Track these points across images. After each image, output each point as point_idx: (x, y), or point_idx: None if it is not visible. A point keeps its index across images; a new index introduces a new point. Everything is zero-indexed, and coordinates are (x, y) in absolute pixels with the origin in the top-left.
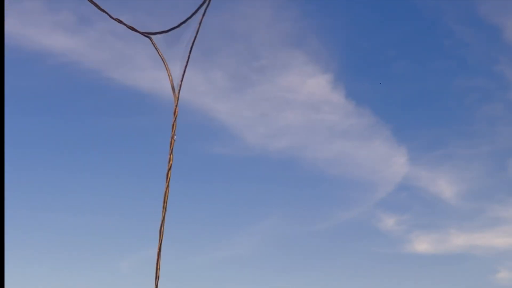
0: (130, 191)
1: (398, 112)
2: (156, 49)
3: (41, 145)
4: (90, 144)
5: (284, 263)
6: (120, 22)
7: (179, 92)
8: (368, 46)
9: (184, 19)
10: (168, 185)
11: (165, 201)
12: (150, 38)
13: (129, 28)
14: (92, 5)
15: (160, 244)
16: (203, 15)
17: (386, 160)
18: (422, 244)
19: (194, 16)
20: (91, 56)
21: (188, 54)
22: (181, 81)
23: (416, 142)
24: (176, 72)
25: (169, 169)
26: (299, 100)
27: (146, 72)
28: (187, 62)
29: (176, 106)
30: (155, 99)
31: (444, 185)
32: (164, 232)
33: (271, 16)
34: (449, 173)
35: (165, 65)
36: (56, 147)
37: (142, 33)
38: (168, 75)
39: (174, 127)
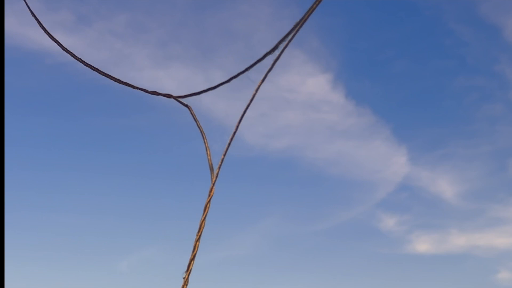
0: (130, 191)
1: (398, 111)
2: (195, 119)
3: (39, 145)
4: (89, 144)
5: (284, 263)
6: (146, 91)
7: (219, 169)
8: (368, 46)
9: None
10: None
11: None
12: (189, 107)
13: (164, 95)
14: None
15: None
16: (269, 71)
17: (386, 160)
18: (423, 245)
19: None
20: (90, 55)
21: (237, 123)
22: (224, 155)
23: (416, 142)
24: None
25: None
26: (299, 100)
27: (145, 72)
28: (234, 133)
29: (213, 184)
30: (154, 99)
31: (445, 185)
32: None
33: (271, 15)
34: (449, 173)
35: (203, 138)
36: (54, 147)
37: (179, 101)
38: (206, 148)
39: (207, 209)
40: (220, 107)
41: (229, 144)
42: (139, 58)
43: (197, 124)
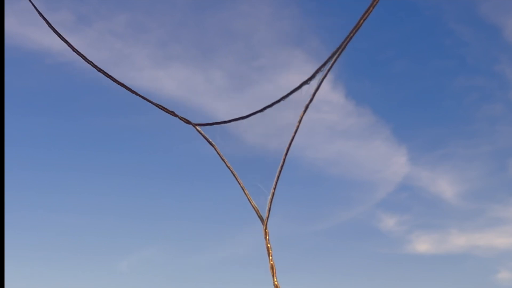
0: (130, 191)
1: (398, 111)
2: (222, 159)
3: (39, 145)
4: (89, 144)
5: (284, 263)
6: (166, 110)
7: (269, 212)
8: (368, 46)
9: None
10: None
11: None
12: (214, 146)
13: (182, 119)
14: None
15: None
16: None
17: (386, 160)
18: (423, 245)
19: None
20: (90, 55)
21: (283, 158)
22: (271, 199)
23: (416, 142)
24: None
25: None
26: (299, 100)
27: (145, 72)
28: (280, 171)
29: (266, 225)
30: (154, 99)
31: (445, 185)
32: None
33: (271, 15)
34: (449, 173)
35: (236, 179)
36: (54, 147)
37: (201, 133)
38: (247, 195)
39: (270, 250)
40: (220, 107)
41: (276, 183)
42: (139, 58)
43: (226, 165)
